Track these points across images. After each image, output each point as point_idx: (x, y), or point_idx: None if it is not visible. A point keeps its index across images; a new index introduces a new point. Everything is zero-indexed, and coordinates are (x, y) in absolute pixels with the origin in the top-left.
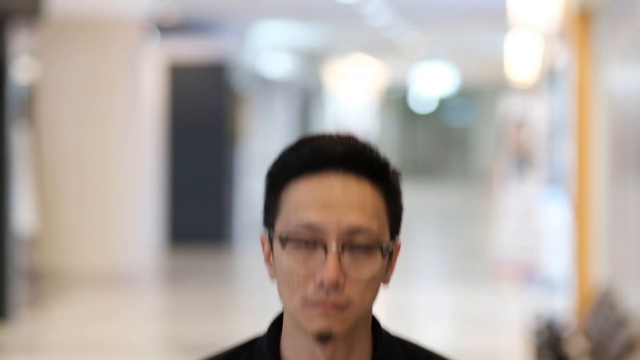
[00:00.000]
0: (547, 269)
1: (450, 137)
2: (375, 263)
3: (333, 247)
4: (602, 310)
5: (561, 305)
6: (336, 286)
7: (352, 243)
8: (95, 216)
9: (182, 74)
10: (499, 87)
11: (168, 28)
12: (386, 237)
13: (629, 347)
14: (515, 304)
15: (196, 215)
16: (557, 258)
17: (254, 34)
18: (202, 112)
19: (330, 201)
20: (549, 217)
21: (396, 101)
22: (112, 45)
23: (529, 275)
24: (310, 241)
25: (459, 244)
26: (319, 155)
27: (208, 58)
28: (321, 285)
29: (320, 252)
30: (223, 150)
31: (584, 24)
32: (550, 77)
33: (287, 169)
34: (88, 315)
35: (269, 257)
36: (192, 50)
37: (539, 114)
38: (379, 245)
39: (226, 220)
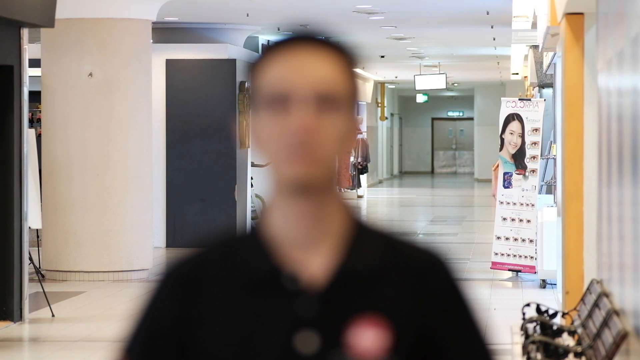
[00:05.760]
0: (539, 265)
1: (448, 137)
2: (339, 119)
3: (302, 100)
4: (593, 306)
5: (553, 301)
6: (306, 132)
7: (319, 98)
8: (100, 216)
9: (187, 74)
10: (496, 88)
11: (173, 28)
12: (351, 99)
13: (619, 342)
14: (507, 300)
15: (201, 214)
16: (549, 254)
17: (258, 35)
18: (208, 112)
19: (298, 64)
20: (542, 214)
21: (395, 101)
22: (117, 46)
23: (522, 271)
24: (283, 100)
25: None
26: (287, 37)
27: (213, 58)
28: (294, 134)
29: (293, 109)
30: (229, 151)
31: (576, 25)
32: (543, 78)
33: (260, 57)
34: (92, 313)
35: (256, 143)
36: (197, 50)
37: (534, 115)
38: (342, 104)
39: (231, 220)
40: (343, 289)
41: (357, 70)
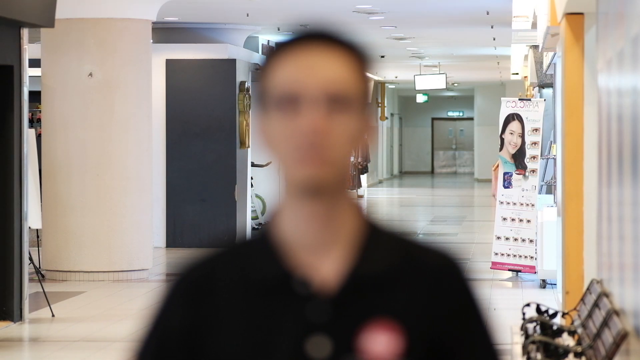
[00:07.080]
0: (539, 265)
1: (448, 137)
2: (350, 120)
3: (312, 100)
4: (593, 306)
5: (553, 301)
6: (317, 133)
7: (330, 99)
8: (100, 216)
9: (187, 74)
10: (496, 88)
11: (173, 28)
12: (361, 98)
13: (619, 342)
14: (507, 300)
15: (201, 214)
16: (549, 254)
17: (258, 35)
18: (208, 112)
19: (308, 63)
20: (542, 214)
21: (395, 101)
22: (117, 46)
23: (522, 271)
24: (293, 101)
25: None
26: (297, 35)
27: (213, 58)
28: (305, 135)
29: (303, 110)
30: (229, 151)
31: (576, 25)
32: (543, 78)
33: (270, 56)
34: (92, 313)
35: (265, 144)
36: (197, 50)
37: (534, 115)
38: (353, 104)
39: (231, 219)
40: (355, 293)
41: (369, 68)
